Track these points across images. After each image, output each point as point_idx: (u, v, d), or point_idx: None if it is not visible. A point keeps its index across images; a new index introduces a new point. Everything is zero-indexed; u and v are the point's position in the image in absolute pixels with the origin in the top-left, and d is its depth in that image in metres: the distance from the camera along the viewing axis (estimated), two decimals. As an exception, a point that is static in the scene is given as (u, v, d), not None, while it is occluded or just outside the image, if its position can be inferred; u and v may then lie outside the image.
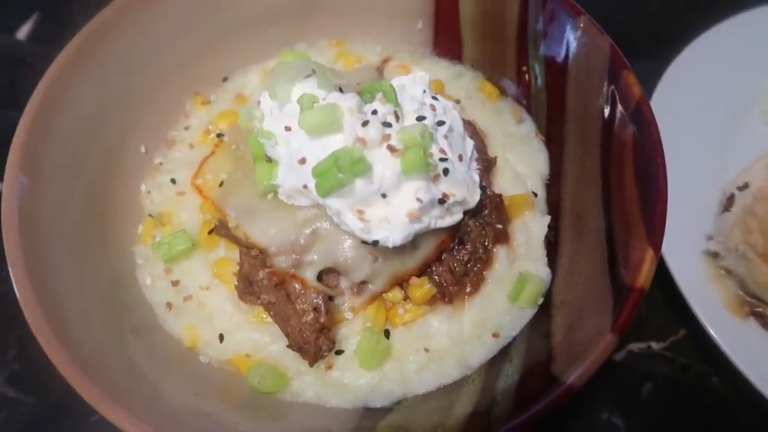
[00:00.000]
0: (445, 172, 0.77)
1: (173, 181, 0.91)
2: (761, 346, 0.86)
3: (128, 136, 0.91)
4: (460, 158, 0.80)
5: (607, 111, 0.84)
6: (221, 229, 0.84)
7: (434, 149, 0.77)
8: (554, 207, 0.90)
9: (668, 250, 0.90)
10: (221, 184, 0.87)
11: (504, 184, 0.90)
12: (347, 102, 0.74)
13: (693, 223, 0.98)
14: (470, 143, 0.86)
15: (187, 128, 0.97)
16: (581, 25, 0.87)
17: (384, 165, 0.73)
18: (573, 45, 0.88)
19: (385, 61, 1.04)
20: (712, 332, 0.84)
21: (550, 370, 0.66)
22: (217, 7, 0.99)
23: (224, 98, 1.00)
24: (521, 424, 0.59)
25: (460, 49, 1.03)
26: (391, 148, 0.74)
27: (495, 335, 0.78)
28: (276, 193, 0.79)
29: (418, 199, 0.73)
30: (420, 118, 0.78)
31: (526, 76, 0.97)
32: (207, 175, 0.90)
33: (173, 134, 0.97)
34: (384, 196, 0.74)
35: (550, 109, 0.94)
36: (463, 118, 0.90)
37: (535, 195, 0.89)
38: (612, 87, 0.83)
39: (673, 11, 1.32)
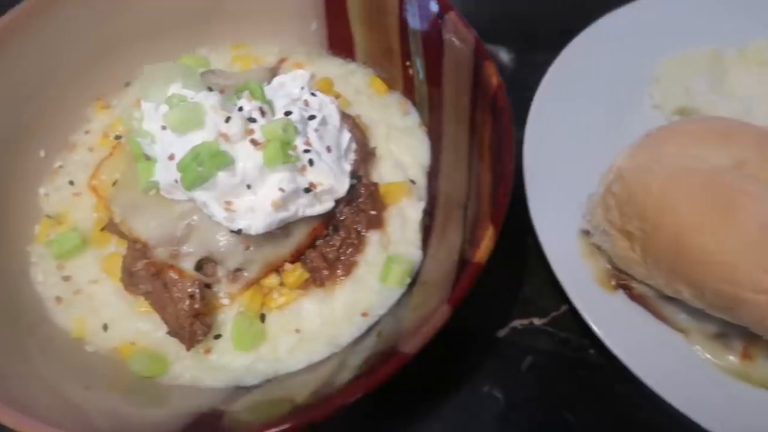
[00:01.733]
0: (311, 162, 0.82)
1: (71, 182, 0.96)
2: (628, 315, 0.90)
3: (27, 141, 0.96)
4: (329, 149, 0.85)
5: (473, 100, 0.90)
6: (111, 226, 0.89)
7: (299, 142, 0.82)
8: (433, 193, 0.95)
9: (546, 231, 0.95)
10: (114, 184, 0.92)
11: (385, 173, 0.95)
12: (210, 100, 0.79)
13: (578, 205, 1.02)
14: (347, 136, 0.91)
15: (87, 132, 1.02)
16: (450, 19, 0.92)
17: (247, 158, 0.78)
18: (445, 39, 0.94)
19: (282, 61, 1.09)
20: (577, 305, 0.89)
21: (396, 342, 0.71)
22: (117, 12, 1.04)
23: (126, 103, 1.05)
24: (353, 390, 0.64)
25: (352, 47, 1.08)
26: (254, 142, 0.79)
27: (364, 314, 0.83)
28: (158, 189, 0.84)
29: (281, 189, 0.79)
30: (287, 113, 0.83)
31: (410, 70, 1.02)
32: (102, 176, 0.94)
33: (74, 138, 1.01)
34: (249, 187, 0.79)
35: (431, 101, 1.00)
36: (343, 112, 0.95)
37: (413, 182, 0.94)
38: (476, 78, 0.89)
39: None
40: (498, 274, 1.02)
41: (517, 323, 0.99)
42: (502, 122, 0.81)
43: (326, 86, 1.02)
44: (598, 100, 1.13)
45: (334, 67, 1.08)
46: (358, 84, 1.05)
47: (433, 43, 0.96)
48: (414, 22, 0.97)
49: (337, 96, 0.99)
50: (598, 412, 0.91)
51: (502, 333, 0.98)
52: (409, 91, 1.03)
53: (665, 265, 0.83)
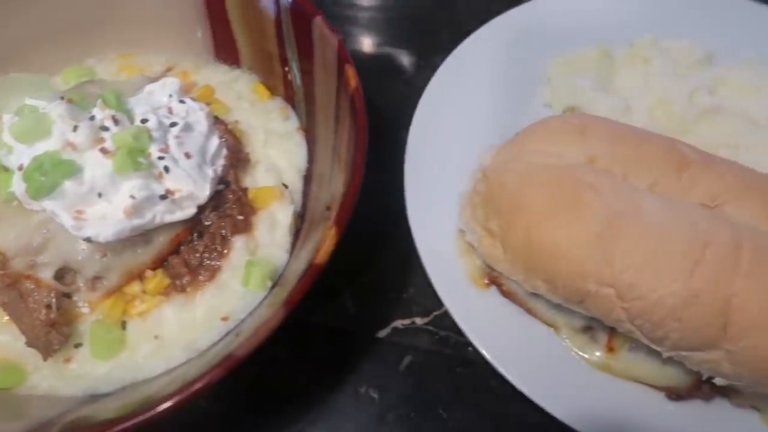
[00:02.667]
0: (167, 169, 0.83)
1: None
2: (500, 312, 0.91)
3: None
4: (188, 156, 0.85)
5: (337, 103, 0.91)
6: (-25, 238, 0.89)
7: (153, 149, 0.82)
8: (308, 196, 0.96)
9: (422, 230, 0.96)
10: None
11: (259, 178, 0.95)
12: (58, 109, 0.79)
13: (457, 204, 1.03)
14: (215, 142, 0.91)
15: (-36, 146, 1.02)
16: (317, 24, 0.93)
17: (96, 166, 0.79)
18: (314, 43, 0.95)
19: (169, 70, 1.09)
20: (445, 302, 0.90)
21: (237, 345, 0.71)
22: (2, 24, 1.04)
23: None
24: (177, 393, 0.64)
25: (237, 54, 1.09)
26: (104, 151, 0.79)
27: (224, 319, 0.83)
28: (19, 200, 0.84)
29: (132, 197, 0.79)
30: (143, 121, 0.84)
31: (289, 75, 1.03)
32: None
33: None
34: (100, 195, 0.79)
35: (307, 106, 1.01)
36: (217, 118, 0.96)
37: (286, 186, 0.95)
38: (339, 81, 0.90)
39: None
40: (383, 275, 1.04)
41: (399, 323, 1.00)
42: (357, 124, 0.82)
43: (207, 93, 1.03)
44: (489, 99, 1.14)
45: (220, 74, 1.08)
46: (242, 90, 1.06)
47: (304, 47, 0.97)
48: (287, 27, 0.98)
49: (211, 103, 0.99)
50: (473, 408, 0.92)
51: (382, 333, 0.99)
52: (289, 96, 1.04)
53: (521, 261, 0.84)
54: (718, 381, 0.77)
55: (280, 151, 0.99)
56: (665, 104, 1.05)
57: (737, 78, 1.08)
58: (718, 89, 1.09)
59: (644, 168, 0.82)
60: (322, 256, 0.73)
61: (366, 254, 1.05)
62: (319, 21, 0.93)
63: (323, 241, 0.74)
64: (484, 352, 0.87)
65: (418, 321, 1.00)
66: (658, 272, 0.74)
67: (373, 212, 1.01)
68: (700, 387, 0.82)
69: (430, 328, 0.99)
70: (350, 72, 0.87)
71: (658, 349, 0.78)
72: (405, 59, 1.31)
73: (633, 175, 0.82)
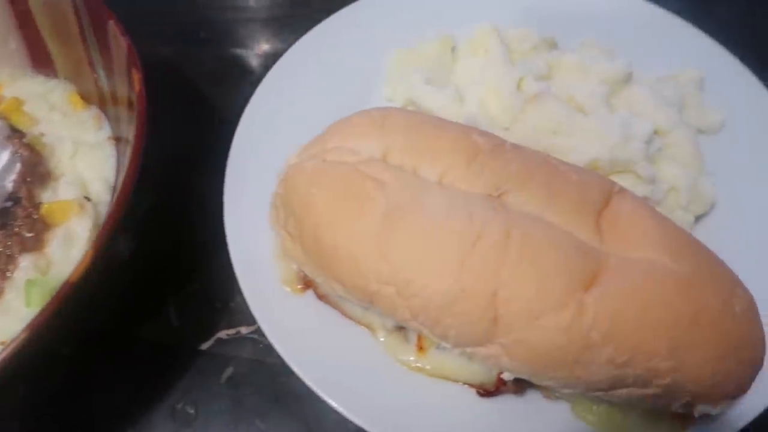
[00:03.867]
0: (-66, 188, 0.78)
1: None
2: (317, 316, 0.88)
3: None
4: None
5: (129, 108, 0.87)
6: None
7: None
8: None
9: (236, 235, 0.92)
10: None
11: (62, 192, 0.91)
12: None
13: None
14: (5, 157, 0.87)
15: None
16: (111, 27, 0.89)
17: None
18: (111, 48, 0.91)
19: (-17, 83, 1.05)
20: (252, 308, 0.86)
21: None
22: None
23: None
24: None
25: (52, 64, 1.04)
26: None
27: (2, 343, 0.79)
28: None
29: None
30: None
31: (99, 82, 0.99)
32: None
33: None
34: None
35: (115, 112, 0.97)
36: (14, 131, 0.92)
37: (89, 199, 0.91)
38: (130, 86, 0.86)
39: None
40: (210, 284, 1.00)
41: (224, 333, 0.96)
42: (136, 131, 0.79)
43: (13, 106, 0.98)
44: (326, 96, 1.11)
45: (36, 86, 1.04)
46: (56, 101, 1.01)
47: (105, 51, 0.93)
48: (89, 31, 0.94)
49: (15, 116, 0.95)
50: (293, 417, 0.89)
51: (206, 345, 0.95)
52: (102, 103, 1.00)
53: (317, 263, 0.81)
54: (506, 375, 0.75)
55: (88, 162, 0.95)
56: (495, 93, 1.03)
57: (569, 62, 1.07)
58: (552, 74, 1.08)
59: (435, 159, 0.79)
60: (76, 274, 0.69)
61: (193, 263, 1.01)
62: (112, 25, 0.89)
63: (83, 260, 0.70)
64: (287, 360, 0.83)
65: (243, 330, 0.97)
66: (431, 267, 0.71)
67: (202, 219, 0.98)
68: (505, 381, 0.80)
69: (255, 336, 0.96)
70: (136, 77, 0.83)
71: (447, 346, 0.75)
72: (254, 61, 1.28)
73: (424, 167, 0.79)
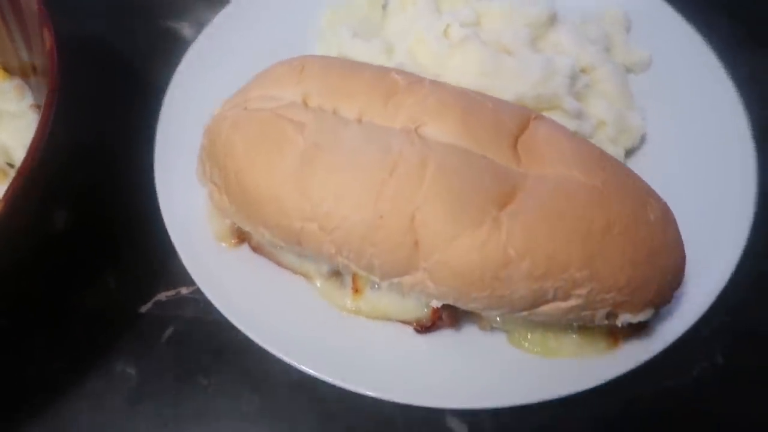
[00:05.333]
0: None
1: None
2: (253, 269, 0.88)
3: None
4: None
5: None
6: None
7: None
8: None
9: (168, 195, 0.92)
10: None
11: (-15, 161, 0.90)
12: None
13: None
14: None
15: None
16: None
17: None
18: (24, 10, 0.89)
19: None
20: (186, 265, 0.86)
21: None
22: None
23: None
24: None
25: (-26, 38, 1.02)
26: None
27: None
28: None
29: None
30: None
31: (18, 53, 0.97)
32: None
33: None
34: None
35: (38, 82, 0.95)
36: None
37: (11, 166, 0.89)
38: (42, 44, 0.84)
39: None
40: (148, 247, 0.99)
41: (163, 295, 0.95)
42: (49, 87, 0.78)
43: (-69, 81, 0.96)
44: (259, 57, 1.08)
45: (-43, 61, 1.02)
46: (-22, 74, 1.00)
47: (20, 18, 0.91)
48: (5, 2, 0.93)
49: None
50: (235, 372, 0.89)
51: (145, 308, 0.94)
52: (24, 74, 0.98)
53: (242, 210, 0.80)
54: (434, 303, 0.75)
55: (11, 131, 0.93)
56: (422, 42, 1.03)
57: (496, 9, 1.07)
58: (480, 21, 1.09)
59: (354, 99, 0.79)
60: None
61: (131, 231, 1.00)
62: (29, -7, 0.87)
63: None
64: (223, 311, 0.83)
65: (183, 291, 0.96)
66: (349, 199, 0.71)
67: (140, 188, 0.97)
68: (440, 315, 0.81)
69: (196, 296, 0.95)
70: (47, 34, 0.82)
71: (375, 279, 0.76)
72: (188, 32, 1.26)
73: (343, 108, 0.79)
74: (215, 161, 0.82)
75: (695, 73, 1.06)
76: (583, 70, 1.01)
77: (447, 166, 0.70)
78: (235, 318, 0.83)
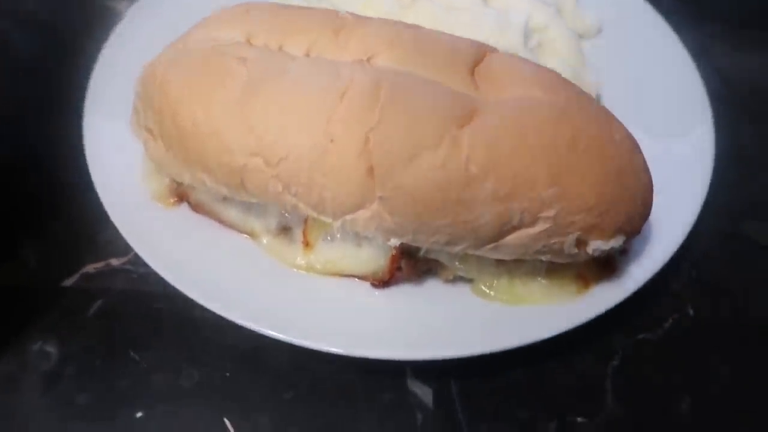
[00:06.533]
0: None
1: None
2: (193, 229, 0.80)
3: None
4: None
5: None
6: None
7: None
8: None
9: (98, 156, 0.84)
10: None
11: None
12: None
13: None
14: None
15: None
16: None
17: None
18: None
19: None
20: (118, 226, 0.77)
21: None
22: None
23: None
24: None
25: None
26: None
27: None
28: None
29: None
30: None
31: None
32: None
33: None
34: None
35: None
36: None
37: None
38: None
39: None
40: (75, 219, 0.90)
41: (91, 267, 0.85)
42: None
43: None
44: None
45: None
46: None
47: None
48: None
49: None
50: (171, 345, 0.79)
51: (70, 282, 0.84)
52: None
53: (180, 155, 0.73)
54: (392, 242, 0.69)
55: None
56: (373, 4, 1.00)
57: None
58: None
59: (301, 35, 0.74)
60: None
61: (56, 203, 0.90)
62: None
63: None
64: (162, 273, 0.74)
65: (114, 262, 0.86)
66: (296, 125, 0.65)
67: (71, 155, 0.88)
68: (399, 265, 0.75)
69: (129, 267, 0.86)
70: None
71: (327, 219, 0.69)
72: (124, 7, 1.20)
73: (290, 44, 0.74)
74: (149, 104, 0.75)
75: (646, 37, 1.06)
76: (534, 30, 1.00)
77: (402, 88, 0.65)
78: (176, 280, 0.75)
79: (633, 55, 1.06)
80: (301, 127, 0.65)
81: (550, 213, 0.63)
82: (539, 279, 0.75)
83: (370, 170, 0.63)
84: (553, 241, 0.65)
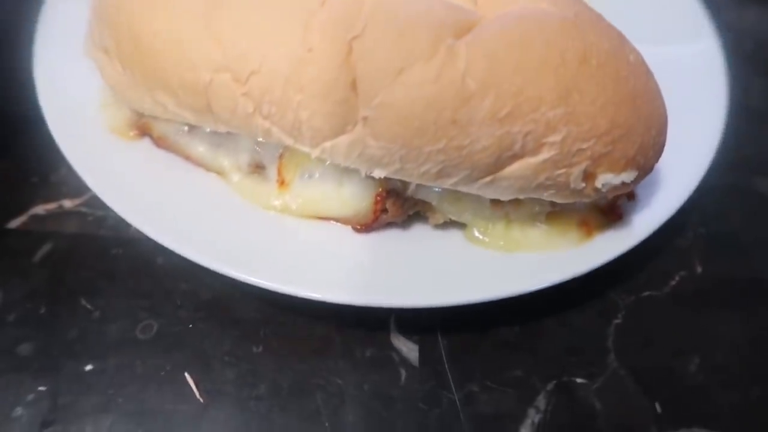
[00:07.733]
0: None
1: None
2: (156, 165, 0.72)
3: None
4: None
5: None
6: None
7: None
8: None
9: (52, 87, 0.75)
10: None
11: None
12: None
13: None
14: None
15: None
16: None
17: None
18: None
19: None
20: (72, 162, 0.69)
21: None
22: None
23: None
24: None
25: None
26: None
27: None
28: None
29: None
30: None
31: None
32: None
33: None
34: None
35: None
36: None
37: None
38: None
39: None
40: (23, 158, 0.80)
41: (41, 209, 0.77)
42: None
43: None
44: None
45: None
46: None
47: None
48: None
49: None
50: (128, 293, 0.71)
51: (15, 223, 0.75)
52: None
53: (137, 73, 0.64)
54: (377, 174, 0.61)
55: None
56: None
57: None
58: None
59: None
60: None
61: (2, 134, 0.81)
62: None
63: None
64: (120, 212, 0.66)
65: (67, 203, 0.77)
66: (270, 34, 0.57)
67: (18, 88, 0.79)
68: (384, 207, 0.67)
69: (83, 209, 0.77)
70: None
71: (303, 148, 0.61)
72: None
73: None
74: (105, 22, 0.66)
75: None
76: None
77: (391, -2, 0.57)
78: (137, 221, 0.66)
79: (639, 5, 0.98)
80: (275, 35, 0.56)
81: (557, 138, 0.55)
82: (538, 224, 0.68)
83: (353, 84, 0.55)
84: (558, 173, 0.58)
